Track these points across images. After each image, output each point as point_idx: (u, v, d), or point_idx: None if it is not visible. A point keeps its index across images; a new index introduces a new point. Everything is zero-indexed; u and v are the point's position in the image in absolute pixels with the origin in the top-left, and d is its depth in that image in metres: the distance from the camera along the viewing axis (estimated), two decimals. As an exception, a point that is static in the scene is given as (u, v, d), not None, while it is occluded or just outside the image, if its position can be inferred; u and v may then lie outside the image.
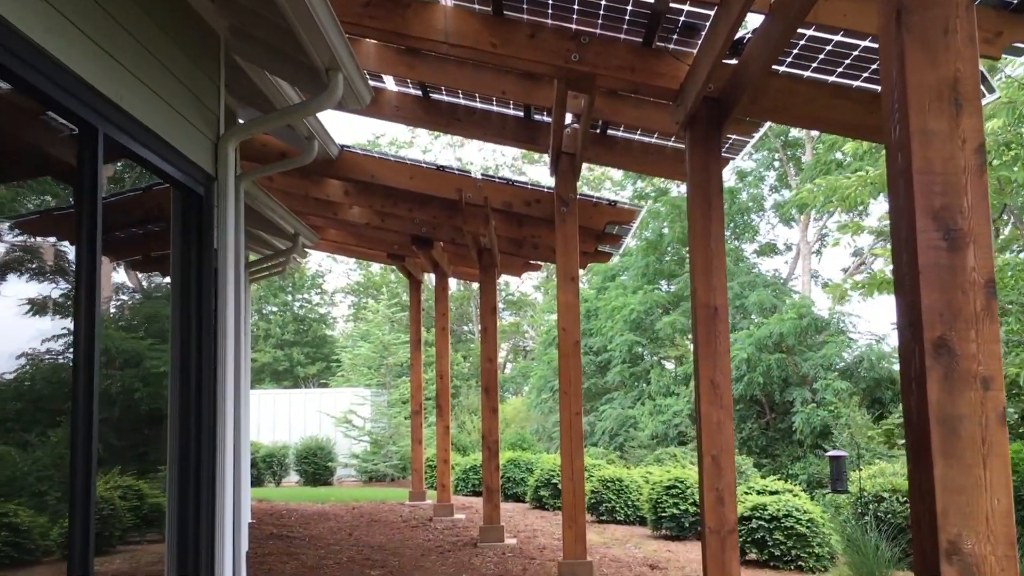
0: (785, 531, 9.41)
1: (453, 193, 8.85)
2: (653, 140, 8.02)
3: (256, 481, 20.71)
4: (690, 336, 28.70)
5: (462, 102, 8.06)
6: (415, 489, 15.06)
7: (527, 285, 45.38)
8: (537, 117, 8.20)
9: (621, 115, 7.25)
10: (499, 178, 9.24)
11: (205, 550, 4.94)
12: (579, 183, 8.52)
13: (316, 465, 20.92)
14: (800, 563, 9.33)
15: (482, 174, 9.15)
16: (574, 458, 8.18)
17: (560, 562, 8.11)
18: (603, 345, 27.63)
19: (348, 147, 8.89)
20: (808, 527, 9.42)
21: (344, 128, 55.54)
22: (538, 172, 37.84)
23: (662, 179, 29.23)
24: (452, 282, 41.30)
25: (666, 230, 28.07)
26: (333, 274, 51.72)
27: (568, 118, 7.65)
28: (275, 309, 41.79)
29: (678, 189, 29.83)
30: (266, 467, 21.16)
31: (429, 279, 18.58)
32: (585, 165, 9.43)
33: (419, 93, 8.02)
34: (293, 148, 8.26)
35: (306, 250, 13.95)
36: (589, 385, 27.14)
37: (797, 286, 27.89)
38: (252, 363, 38.09)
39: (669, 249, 28.75)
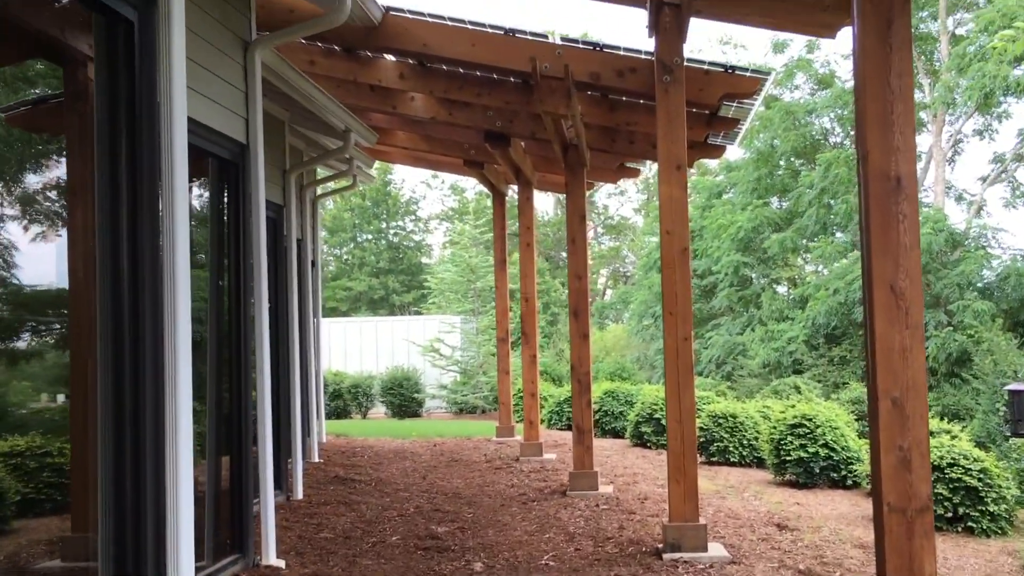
0: (950, 484, 7.50)
1: (526, 65, 7.03)
2: (786, -21, 6.04)
3: (343, 413, 19.69)
4: (805, 256, 26.30)
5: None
6: (503, 424, 13.60)
7: (627, 208, 43.36)
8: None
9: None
10: (583, 42, 7.29)
11: (152, 532, 3.44)
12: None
13: (403, 396, 19.74)
14: (970, 524, 7.42)
15: (562, 39, 7.27)
16: (682, 394, 6.45)
17: (666, 525, 6.45)
18: (708, 268, 25.60)
19: (395, 9, 7.15)
20: (980, 479, 7.48)
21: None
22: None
23: (773, 84, 26.56)
24: (549, 205, 39.61)
25: (778, 141, 25.57)
26: (427, 200, 50.59)
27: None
28: (370, 237, 40.90)
29: (792, 95, 27.13)
30: (352, 398, 20.09)
31: (514, 194, 16.85)
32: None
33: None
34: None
35: (371, 158, 12.40)
36: (694, 310, 25.19)
37: (928, 198, 25.12)
38: (347, 291, 37.35)
39: (781, 162, 26.27)
